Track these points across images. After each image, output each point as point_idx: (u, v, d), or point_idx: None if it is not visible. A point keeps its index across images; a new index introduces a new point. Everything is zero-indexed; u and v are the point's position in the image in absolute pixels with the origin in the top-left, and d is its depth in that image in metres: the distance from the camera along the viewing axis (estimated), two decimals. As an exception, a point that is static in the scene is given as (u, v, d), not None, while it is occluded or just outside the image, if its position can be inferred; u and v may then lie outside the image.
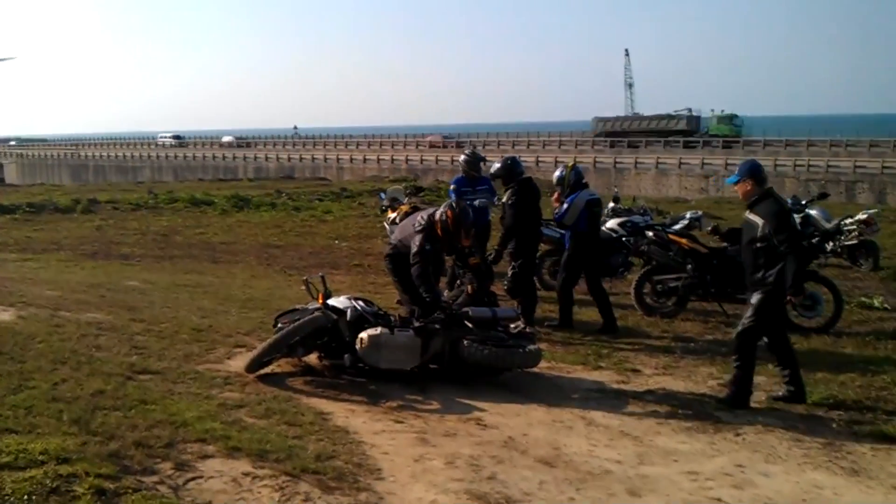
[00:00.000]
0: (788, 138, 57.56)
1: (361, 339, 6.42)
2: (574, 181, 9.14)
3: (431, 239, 7.11)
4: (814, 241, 13.27)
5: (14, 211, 22.12)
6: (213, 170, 67.47)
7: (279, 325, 6.83)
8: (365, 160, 63.36)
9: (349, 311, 6.64)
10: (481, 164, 10.66)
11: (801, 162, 44.75)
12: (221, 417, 5.29)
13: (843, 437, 5.68)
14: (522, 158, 11.73)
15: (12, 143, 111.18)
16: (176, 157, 78.32)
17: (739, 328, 6.43)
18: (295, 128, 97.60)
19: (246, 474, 4.41)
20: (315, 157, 68.43)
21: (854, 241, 13.58)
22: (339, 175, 57.91)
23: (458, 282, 8.86)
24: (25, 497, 3.75)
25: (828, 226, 14.00)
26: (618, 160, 52.67)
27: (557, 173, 9.51)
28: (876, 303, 10.46)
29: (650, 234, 10.22)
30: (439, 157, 58.28)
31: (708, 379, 7.13)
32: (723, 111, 68.76)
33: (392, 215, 10.90)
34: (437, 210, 7.26)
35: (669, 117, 68.17)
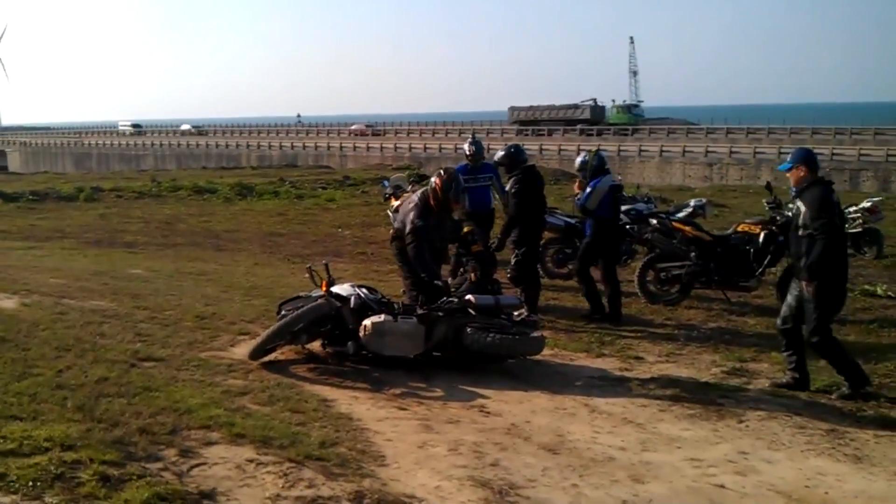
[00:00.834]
0: (793, 126, 57.30)
1: (365, 326, 6.43)
2: (597, 166, 9.10)
3: (425, 214, 7.20)
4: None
5: (18, 199, 22.17)
6: (216, 158, 67.40)
7: (283, 312, 6.84)
8: (368, 148, 63.20)
9: (353, 299, 6.65)
10: (483, 152, 10.64)
11: (806, 150, 44.54)
12: (225, 404, 5.30)
13: (846, 424, 5.67)
14: (443, 146, 11.71)
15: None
16: (179, 145, 78.22)
17: (810, 329, 6.33)
18: (298, 116, 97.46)
19: (250, 461, 4.42)
20: (318, 144, 68.27)
21: (858, 229, 13.55)
22: (342, 163, 57.78)
23: (462, 269, 8.86)
24: (30, 483, 3.77)
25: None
26: (621, 148, 52.52)
27: (580, 159, 9.44)
28: (879, 290, 10.44)
29: (654, 221, 10.20)
30: (443, 146, 58.13)
31: (711, 366, 7.13)
32: (624, 101, 74.24)
33: (395, 203, 10.89)
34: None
35: (575, 107, 71.72)
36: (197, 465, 4.31)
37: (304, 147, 67.81)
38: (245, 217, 20.03)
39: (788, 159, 6.55)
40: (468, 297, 6.91)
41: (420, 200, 7.33)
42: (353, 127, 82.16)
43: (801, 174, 6.40)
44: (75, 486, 3.81)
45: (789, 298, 6.64)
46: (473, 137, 11.16)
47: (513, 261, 8.74)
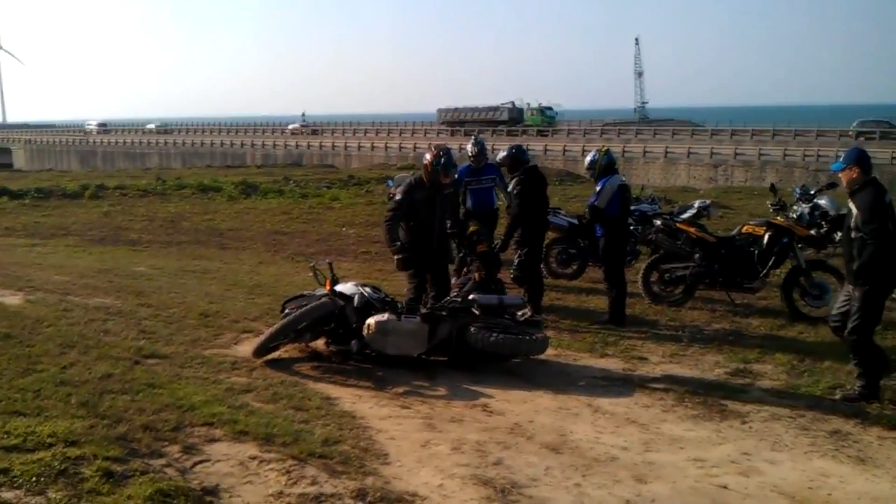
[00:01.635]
0: (798, 128, 57.16)
1: (368, 325, 6.44)
2: (606, 165, 9.07)
3: (411, 190, 7.37)
4: (822, 230, 13.21)
5: (23, 196, 22.19)
6: (220, 156, 67.54)
7: (286, 310, 6.85)
8: (373, 147, 63.21)
9: (356, 298, 6.66)
10: (486, 152, 10.63)
11: (811, 151, 44.50)
12: (229, 401, 5.31)
13: (849, 425, 5.66)
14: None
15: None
16: (184, 143, 78.37)
17: (850, 326, 6.26)
18: (303, 115, 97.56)
19: (253, 458, 4.42)
20: (323, 144, 68.33)
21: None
22: (346, 162, 57.82)
23: (466, 269, 8.86)
24: (33, 479, 3.78)
25: (836, 215, 13.93)
26: (626, 149, 52.47)
27: (590, 157, 9.38)
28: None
29: (658, 222, 10.19)
30: (448, 145, 58.11)
31: (715, 367, 7.12)
32: (540, 104, 75.39)
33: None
34: None
35: (495, 109, 74.63)
36: (200, 462, 4.32)
37: (309, 146, 67.87)
38: (249, 216, 20.04)
39: (841, 160, 6.48)
40: (472, 296, 6.92)
41: (412, 179, 7.58)
42: (290, 126, 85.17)
43: (854, 175, 6.33)
44: (78, 481, 3.81)
45: (842, 299, 6.56)
46: (476, 138, 11.12)
47: (516, 261, 8.73)
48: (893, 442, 5.39)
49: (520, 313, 6.99)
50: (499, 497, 4.24)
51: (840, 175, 6.46)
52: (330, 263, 6.93)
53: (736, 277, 9.37)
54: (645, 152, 51.32)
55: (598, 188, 8.93)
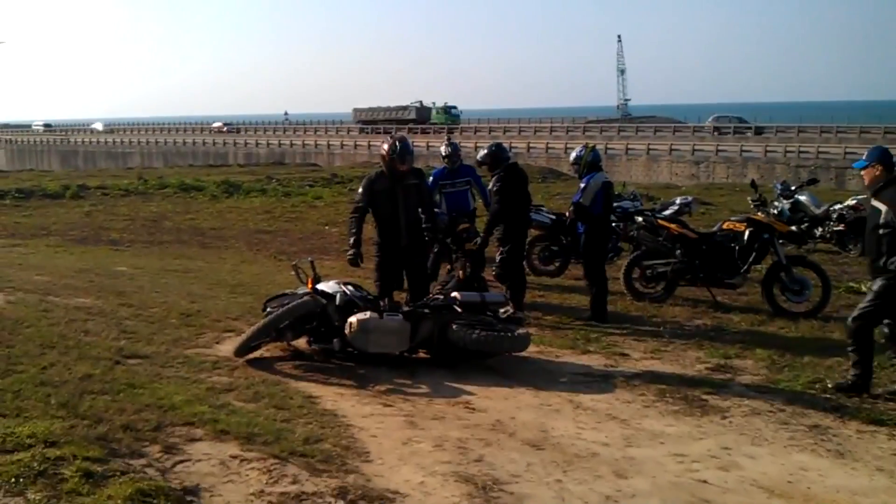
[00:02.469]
0: (779, 124, 57.49)
1: (350, 323, 6.44)
2: (591, 161, 9.09)
3: (370, 184, 7.38)
4: (803, 226, 13.32)
5: (3, 196, 22.03)
6: (203, 155, 67.17)
7: (268, 309, 6.83)
8: (356, 146, 63.07)
9: (338, 296, 6.65)
10: (460, 154, 10.62)
11: (792, 148, 44.77)
12: (210, 401, 5.29)
13: (829, 420, 5.72)
14: (430, 144, 11.72)
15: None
16: (166, 143, 78.01)
17: (856, 313, 6.31)
18: (286, 114, 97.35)
19: (234, 457, 4.41)
20: (306, 142, 68.13)
21: (842, 227, 13.64)
22: (329, 161, 57.63)
23: (450, 267, 8.87)
24: (13, 480, 3.75)
25: (817, 211, 14.06)
26: (608, 146, 52.61)
27: (575, 153, 9.36)
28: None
29: (639, 219, 10.24)
30: (430, 144, 58.14)
31: (696, 363, 7.17)
32: (445, 104, 79.34)
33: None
34: None
35: (404, 108, 78.62)
36: (181, 462, 4.31)
37: (292, 145, 67.68)
38: (231, 215, 19.98)
39: (864, 157, 6.47)
40: (454, 294, 6.93)
41: (372, 172, 7.63)
42: (214, 125, 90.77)
43: (877, 173, 6.34)
44: (58, 482, 3.79)
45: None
46: (449, 140, 11.11)
47: (498, 258, 8.73)
48: (872, 436, 5.45)
49: (502, 310, 7.01)
50: (480, 494, 4.25)
51: (862, 173, 6.46)
52: (312, 262, 6.91)
53: (717, 273, 9.42)
54: (627, 149, 51.48)
55: (582, 185, 8.95)
